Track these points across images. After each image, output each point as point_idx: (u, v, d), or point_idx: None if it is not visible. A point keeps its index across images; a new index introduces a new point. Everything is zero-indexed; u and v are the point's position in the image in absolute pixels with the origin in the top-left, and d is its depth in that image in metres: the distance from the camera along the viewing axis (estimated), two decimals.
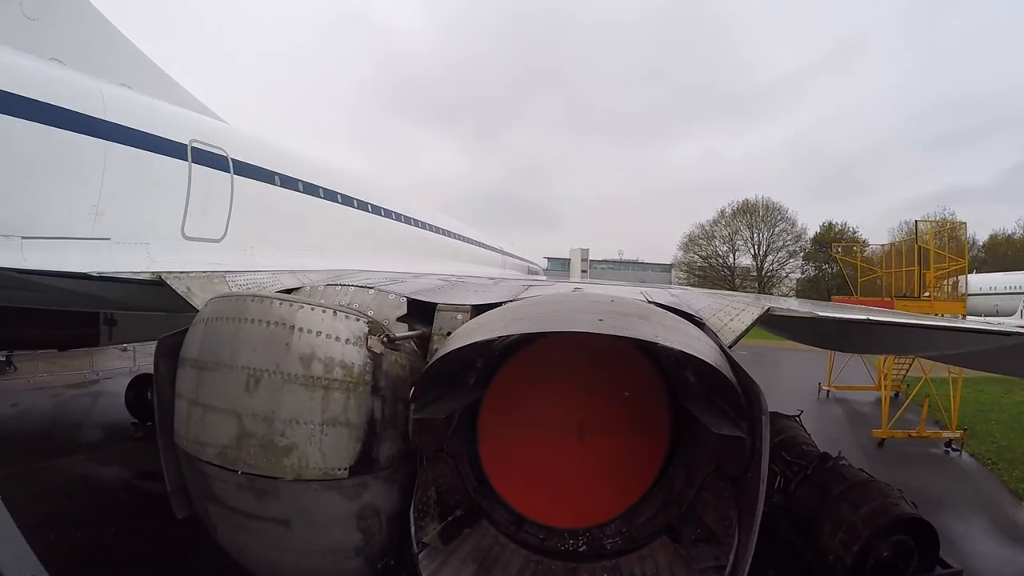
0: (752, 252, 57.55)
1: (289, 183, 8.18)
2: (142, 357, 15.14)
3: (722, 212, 58.54)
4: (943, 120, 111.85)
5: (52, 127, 5.07)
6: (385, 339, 2.77)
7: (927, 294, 17.03)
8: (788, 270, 58.78)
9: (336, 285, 3.47)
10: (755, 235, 56.92)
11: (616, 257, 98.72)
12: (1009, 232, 56.56)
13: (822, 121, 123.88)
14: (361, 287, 3.42)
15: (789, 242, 56.73)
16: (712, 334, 3.07)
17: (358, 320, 2.75)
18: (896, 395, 15.12)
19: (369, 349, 2.68)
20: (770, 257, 57.23)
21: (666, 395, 3.38)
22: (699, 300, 3.91)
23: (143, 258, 5.61)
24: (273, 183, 7.80)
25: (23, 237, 4.72)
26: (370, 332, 2.73)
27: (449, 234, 16.62)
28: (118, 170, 5.51)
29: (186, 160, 6.28)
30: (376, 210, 11.30)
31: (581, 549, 3.12)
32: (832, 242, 55.29)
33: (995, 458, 10.66)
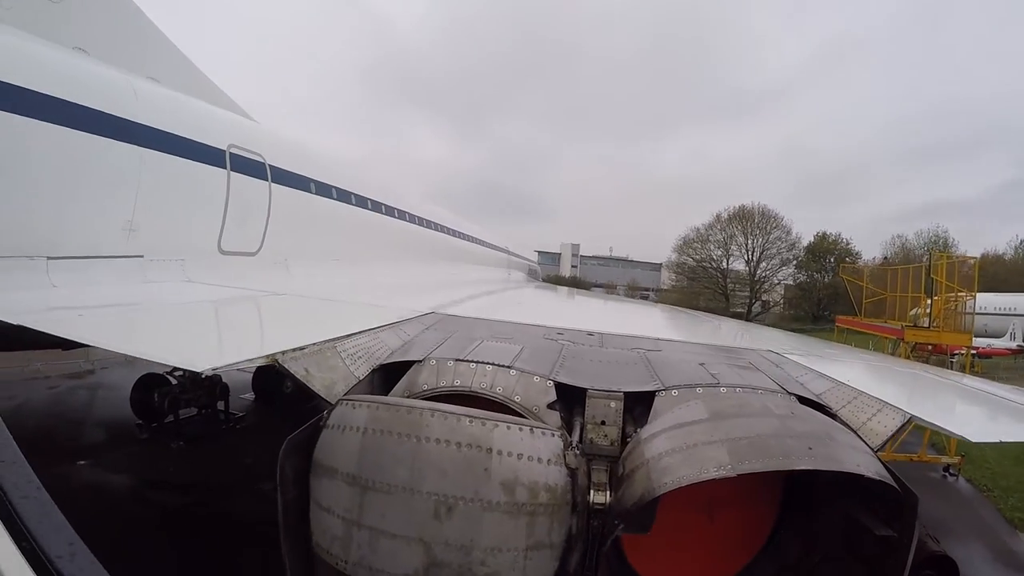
0: (746, 258, 57.74)
1: (324, 190, 7.72)
2: None
3: (718, 216, 58.63)
4: (933, 132, 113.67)
5: (81, 131, 4.52)
6: (577, 452, 2.53)
7: (935, 324, 17.25)
8: (780, 277, 59.19)
9: (468, 362, 3.11)
10: (750, 241, 57.07)
11: (606, 254, 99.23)
12: (1000, 251, 57.11)
13: (813, 127, 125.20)
14: (499, 366, 3.08)
15: (783, 250, 57.01)
16: (855, 433, 2.91)
17: (553, 435, 2.50)
18: None
19: (567, 466, 2.45)
20: (763, 264, 57.47)
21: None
22: (815, 381, 3.63)
23: (178, 276, 5.16)
24: (308, 191, 7.33)
25: (48, 258, 4.24)
26: (564, 446, 2.49)
27: (467, 237, 16.30)
28: (154, 180, 5.01)
29: (224, 168, 5.79)
30: (402, 215, 10.93)
31: None
32: (826, 253, 56.04)
33: (990, 484, 11.00)
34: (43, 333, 2.93)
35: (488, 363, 3.11)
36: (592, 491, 2.56)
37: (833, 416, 3.09)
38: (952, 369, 19.88)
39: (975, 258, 19.42)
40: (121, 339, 3.06)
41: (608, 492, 2.56)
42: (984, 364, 29.80)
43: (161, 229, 5.11)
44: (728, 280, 58.68)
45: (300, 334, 3.18)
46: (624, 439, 2.89)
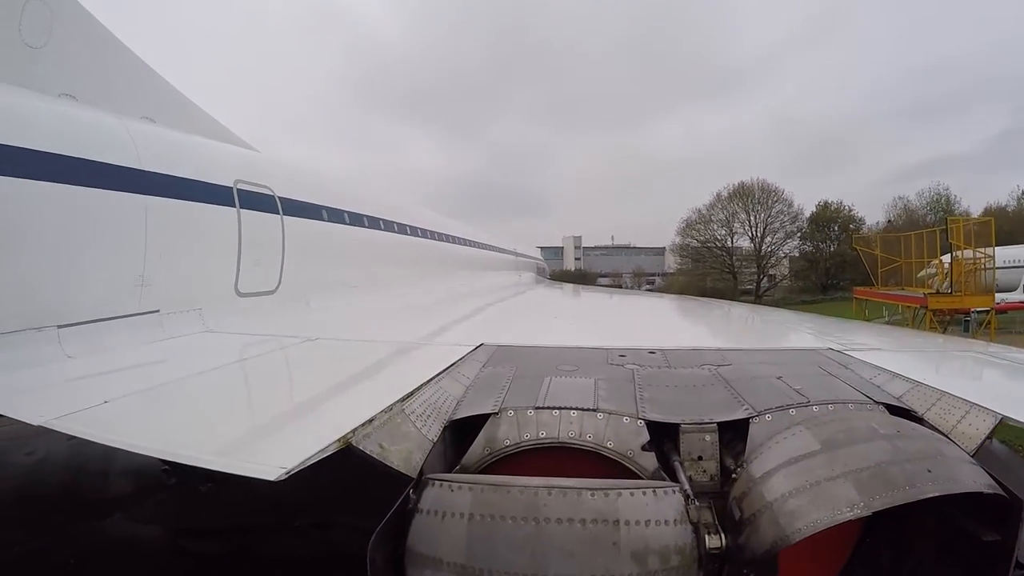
0: (750, 234, 57.21)
1: (336, 216, 7.42)
2: None
3: (718, 196, 58.08)
4: (922, 89, 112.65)
5: (76, 185, 4.19)
6: (697, 504, 2.41)
7: (956, 289, 17.00)
8: (786, 250, 58.74)
9: (549, 409, 2.88)
10: (752, 217, 56.52)
11: (608, 243, 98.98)
12: (1002, 203, 56.16)
13: (804, 94, 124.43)
14: (584, 410, 2.87)
15: (786, 223, 56.49)
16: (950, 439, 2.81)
17: (675, 492, 2.39)
18: None
19: (691, 521, 2.33)
20: (768, 238, 56.95)
21: None
22: (891, 383, 3.42)
23: (198, 327, 4.85)
24: (320, 218, 7.03)
25: (59, 326, 3.92)
26: (686, 501, 2.37)
27: (477, 245, 16.10)
28: (162, 228, 4.69)
29: (233, 206, 5.47)
30: (413, 231, 10.70)
31: None
32: (830, 221, 55.60)
33: None
34: None
35: (571, 408, 2.90)
36: (707, 536, 2.41)
37: (921, 421, 3.00)
38: (972, 328, 19.60)
39: (991, 219, 19.18)
40: (165, 440, 2.73)
41: (721, 535, 2.41)
42: (1001, 319, 29.44)
43: (175, 279, 4.80)
44: (734, 258, 58.22)
45: (362, 400, 2.94)
46: (723, 471, 2.77)
